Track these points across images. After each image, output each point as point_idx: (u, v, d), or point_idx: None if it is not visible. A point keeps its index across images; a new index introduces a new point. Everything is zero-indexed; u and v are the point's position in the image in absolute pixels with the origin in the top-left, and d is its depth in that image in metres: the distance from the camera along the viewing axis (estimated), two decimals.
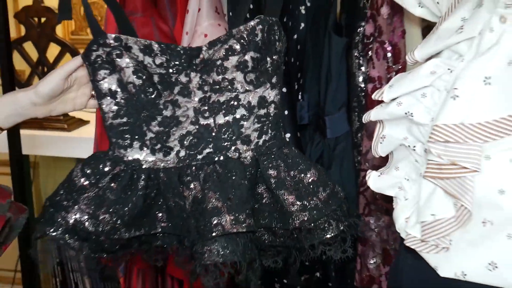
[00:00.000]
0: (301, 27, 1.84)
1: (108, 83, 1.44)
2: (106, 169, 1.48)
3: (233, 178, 1.49)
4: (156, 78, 1.45)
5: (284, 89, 1.78)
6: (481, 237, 1.27)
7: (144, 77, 1.43)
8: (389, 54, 1.76)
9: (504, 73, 1.22)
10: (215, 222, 1.42)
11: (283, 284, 2.00)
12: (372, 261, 1.86)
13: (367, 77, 1.81)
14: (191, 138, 1.50)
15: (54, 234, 1.47)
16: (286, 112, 1.81)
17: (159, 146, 1.49)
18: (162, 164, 1.50)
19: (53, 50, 2.38)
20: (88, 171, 1.48)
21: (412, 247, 1.41)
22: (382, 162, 1.78)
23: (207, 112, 1.48)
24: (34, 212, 2.56)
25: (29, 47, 2.40)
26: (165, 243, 1.59)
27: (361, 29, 1.81)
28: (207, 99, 1.47)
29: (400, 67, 1.77)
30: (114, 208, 1.46)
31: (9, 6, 2.16)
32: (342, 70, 1.84)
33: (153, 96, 1.45)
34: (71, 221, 1.45)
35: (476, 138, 1.22)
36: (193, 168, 1.51)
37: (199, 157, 1.51)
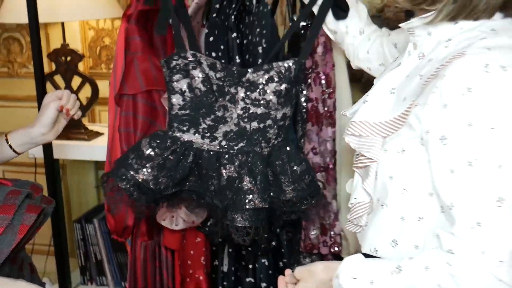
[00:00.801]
0: (259, 62, 1.78)
1: (180, 84, 1.62)
2: (167, 144, 1.66)
3: (260, 167, 1.65)
4: (215, 87, 1.61)
5: None
6: (382, 218, 1.23)
7: (208, 85, 1.60)
8: (323, 81, 1.80)
9: (401, 84, 1.21)
10: (249, 198, 1.61)
11: (248, 252, 2.03)
12: (313, 233, 1.88)
13: (307, 98, 1.83)
14: (232, 134, 1.67)
15: (123, 186, 1.66)
16: None
17: (208, 134, 1.67)
18: (207, 147, 1.66)
19: (76, 81, 2.43)
20: (154, 145, 1.66)
21: (347, 227, 1.41)
22: (319, 161, 1.90)
23: (246, 119, 1.64)
24: (64, 202, 2.59)
25: (58, 79, 2.44)
26: (189, 195, 1.74)
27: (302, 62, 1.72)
28: (247, 110, 1.63)
29: (331, 90, 1.80)
30: (170, 174, 1.65)
31: (43, 48, 2.20)
32: None
33: (211, 100, 1.62)
34: (139, 179, 1.64)
35: (377, 134, 1.22)
36: (230, 155, 1.68)
37: (235, 148, 1.67)
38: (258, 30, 1.84)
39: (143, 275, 2.16)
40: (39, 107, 2.12)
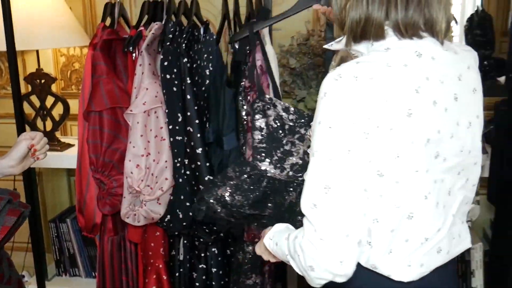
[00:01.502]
0: (206, 82, 1.85)
1: (259, 122, 1.67)
2: (247, 170, 1.68)
3: None
4: (286, 126, 1.64)
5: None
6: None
7: (278, 123, 1.64)
8: None
9: None
10: (299, 219, 1.51)
11: (200, 242, 2.02)
12: (254, 225, 1.82)
13: (247, 112, 1.79)
14: (297, 166, 1.67)
15: (208, 199, 1.67)
16: (198, 135, 1.79)
17: (278, 165, 1.67)
18: (278, 176, 1.65)
19: (50, 100, 2.37)
20: (236, 169, 1.70)
21: None
22: None
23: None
24: (40, 204, 2.53)
25: (34, 99, 2.38)
26: (267, 220, 1.70)
27: (243, 83, 1.79)
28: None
29: None
30: (245, 194, 1.65)
31: (20, 72, 2.17)
32: (232, 108, 1.83)
33: (281, 136, 1.64)
34: (219, 194, 1.65)
35: None
36: (295, 184, 1.68)
37: (300, 179, 1.67)
38: (205, 55, 1.86)
39: (111, 266, 2.13)
40: (17, 123, 2.11)
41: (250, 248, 1.95)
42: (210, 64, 1.85)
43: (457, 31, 2.37)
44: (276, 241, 1.17)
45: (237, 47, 1.84)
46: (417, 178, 1.03)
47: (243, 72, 1.82)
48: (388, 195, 1.03)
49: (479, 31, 2.31)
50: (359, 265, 1.09)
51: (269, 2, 1.92)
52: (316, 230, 1.00)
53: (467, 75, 1.10)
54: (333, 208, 0.99)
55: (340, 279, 1.03)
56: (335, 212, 0.99)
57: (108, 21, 1.99)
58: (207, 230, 1.98)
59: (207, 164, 1.83)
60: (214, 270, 2.04)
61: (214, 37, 1.87)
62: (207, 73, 1.86)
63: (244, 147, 1.85)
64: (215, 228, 1.98)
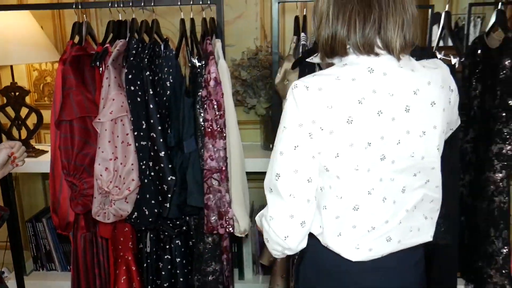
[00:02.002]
0: (168, 93, 1.83)
1: None
2: None
3: None
4: None
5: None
6: None
7: None
8: (215, 106, 1.78)
9: None
10: None
11: (165, 236, 1.99)
12: (213, 218, 1.87)
13: (204, 119, 1.81)
14: None
15: None
16: (161, 140, 1.77)
17: None
18: None
19: (24, 111, 2.30)
20: None
21: None
22: (215, 165, 1.90)
23: None
24: (17, 206, 2.44)
25: (10, 110, 2.30)
26: None
27: (200, 93, 1.80)
28: None
29: (221, 113, 1.78)
30: None
31: None
32: (191, 116, 1.83)
33: None
34: None
35: None
36: None
37: None
38: (166, 69, 1.84)
39: (84, 260, 2.08)
40: None
41: (210, 239, 1.97)
42: (170, 77, 1.84)
43: None
44: (261, 217, 1.20)
45: (196, 62, 1.83)
46: (357, 175, 1.07)
47: (200, 83, 1.82)
48: (333, 187, 1.09)
49: None
50: (319, 242, 1.15)
51: (221, 21, 1.92)
52: (268, 209, 1.09)
53: (425, 89, 1.09)
54: (281, 193, 1.06)
55: (288, 252, 1.10)
56: (282, 196, 1.06)
57: (76, 39, 1.95)
58: (171, 225, 1.97)
59: (170, 165, 1.82)
60: (178, 260, 2.02)
61: (174, 52, 1.85)
62: (168, 84, 1.84)
63: (202, 150, 1.85)
64: (178, 222, 1.97)
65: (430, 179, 1.15)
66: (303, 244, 1.11)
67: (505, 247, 1.85)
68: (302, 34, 1.79)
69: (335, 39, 1.07)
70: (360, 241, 1.12)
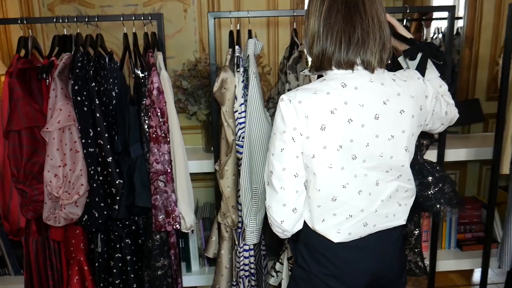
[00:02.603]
0: (113, 102, 1.79)
1: None
2: None
3: None
4: None
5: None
6: None
7: None
8: (159, 114, 1.77)
9: None
10: None
11: (115, 235, 1.94)
12: (160, 217, 1.84)
13: (149, 125, 1.79)
14: None
15: None
16: (108, 146, 1.73)
17: None
18: None
19: None
20: None
21: None
22: (160, 167, 1.88)
23: None
24: None
25: None
26: None
27: (144, 102, 1.78)
28: None
29: (165, 119, 1.77)
30: None
31: None
32: (136, 123, 1.80)
33: None
34: None
35: None
36: None
37: None
38: (111, 80, 1.81)
39: (36, 263, 2.00)
40: None
41: (158, 236, 1.95)
42: (115, 87, 1.81)
43: None
44: None
45: (139, 73, 1.81)
46: (332, 172, 1.18)
47: (144, 92, 1.80)
48: (312, 181, 1.20)
49: None
50: (308, 226, 1.27)
51: (162, 35, 1.91)
52: (267, 199, 1.22)
53: (394, 100, 1.17)
54: (274, 187, 1.19)
55: (287, 233, 1.25)
56: (276, 189, 1.19)
57: (23, 53, 1.87)
58: (120, 225, 1.93)
59: (117, 170, 1.78)
60: (128, 257, 1.98)
61: (118, 64, 1.82)
62: (114, 94, 1.81)
63: (148, 154, 1.83)
64: (127, 223, 1.93)
65: (402, 174, 1.24)
66: (299, 226, 1.26)
67: (417, 229, 1.95)
68: (237, 47, 1.81)
69: (324, 56, 1.16)
70: (339, 226, 1.23)
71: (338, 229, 1.23)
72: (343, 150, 1.15)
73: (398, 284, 1.35)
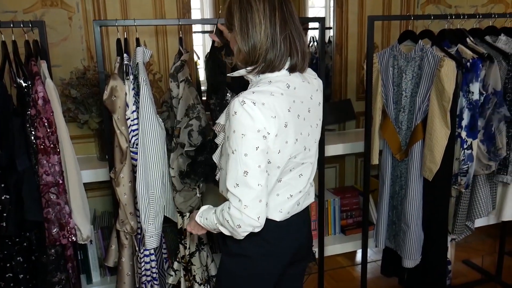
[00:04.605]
0: None
1: None
2: None
3: None
4: None
5: None
6: (222, 176, 1.34)
7: None
8: (46, 124, 1.67)
9: None
10: None
11: (4, 254, 1.77)
12: (54, 230, 1.75)
13: (35, 136, 1.69)
14: None
15: None
16: None
17: None
18: None
19: None
20: None
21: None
22: (51, 179, 1.78)
23: None
24: None
25: None
26: None
27: (29, 112, 1.68)
28: None
29: (53, 129, 1.68)
30: None
31: None
32: (21, 134, 1.68)
33: None
34: None
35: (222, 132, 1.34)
36: None
37: None
38: None
39: None
40: None
41: (53, 250, 1.84)
42: None
43: None
44: (206, 216, 1.36)
45: (22, 82, 1.70)
46: (291, 162, 1.29)
47: (28, 102, 1.69)
48: (272, 174, 1.27)
49: None
50: None
51: (45, 43, 1.81)
52: (240, 200, 1.20)
53: (315, 95, 1.36)
54: (250, 185, 1.20)
55: (258, 229, 1.26)
56: (252, 187, 1.20)
57: None
58: (10, 243, 1.78)
59: (2, 185, 1.66)
60: (21, 276, 1.83)
61: None
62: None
63: (36, 166, 1.72)
64: (18, 240, 1.79)
65: (315, 155, 1.41)
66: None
67: None
68: (125, 55, 1.78)
69: (275, 61, 1.23)
70: (281, 206, 1.34)
71: (280, 209, 1.34)
72: (298, 142, 1.28)
73: (308, 255, 1.54)
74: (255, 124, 1.18)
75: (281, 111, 1.21)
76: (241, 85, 1.42)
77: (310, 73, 1.38)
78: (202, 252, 2.08)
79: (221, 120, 1.33)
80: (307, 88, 1.32)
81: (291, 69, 1.28)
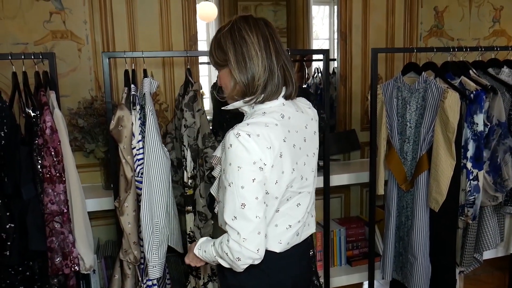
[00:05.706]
0: (2, 143, 1.65)
1: None
2: None
3: None
4: None
5: None
6: (220, 209, 1.30)
7: None
8: (53, 153, 1.69)
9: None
10: None
11: (6, 284, 1.75)
12: (57, 260, 1.74)
13: (42, 165, 1.69)
14: None
15: None
16: None
17: None
18: None
19: None
20: None
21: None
22: (56, 208, 1.77)
23: None
24: None
25: None
26: None
27: (36, 141, 1.69)
28: None
29: (59, 158, 1.69)
30: None
31: None
32: (28, 163, 1.69)
33: None
34: None
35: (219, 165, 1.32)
36: None
37: None
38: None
39: None
40: None
41: (55, 280, 1.82)
42: (4, 127, 1.68)
43: None
44: (204, 249, 1.33)
45: (30, 112, 1.71)
46: (288, 192, 1.28)
47: (36, 132, 1.70)
48: (270, 205, 1.25)
49: None
50: None
51: (54, 74, 1.84)
52: (239, 233, 1.18)
53: (310, 124, 1.36)
54: (249, 217, 1.18)
55: (258, 261, 1.23)
56: (250, 219, 1.18)
57: None
58: (13, 272, 1.76)
59: (8, 213, 1.65)
60: None
61: (7, 103, 1.71)
62: (2, 135, 1.68)
63: (42, 195, 1.72)
64: (20, 269, 1.76)
65: (313, 186, 1.40)
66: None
67: (311, 250, 2.04)
68: (132, 86, 1.80)
69: (272, 91, 1.24)
70: (280, 237, 1.32)
71: (280, 239, 1.32)
72: (295, 172, 1.27)
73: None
74: (251, 156, 1.17)
75: (276, 141, 1.21)
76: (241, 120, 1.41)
77: (304, 103, 1.39)
78: (214, 282, 2.05)
79: (218, 152, 1.32)
80: (302, 117, 1.33)
81: (287, 97, 1.30)
